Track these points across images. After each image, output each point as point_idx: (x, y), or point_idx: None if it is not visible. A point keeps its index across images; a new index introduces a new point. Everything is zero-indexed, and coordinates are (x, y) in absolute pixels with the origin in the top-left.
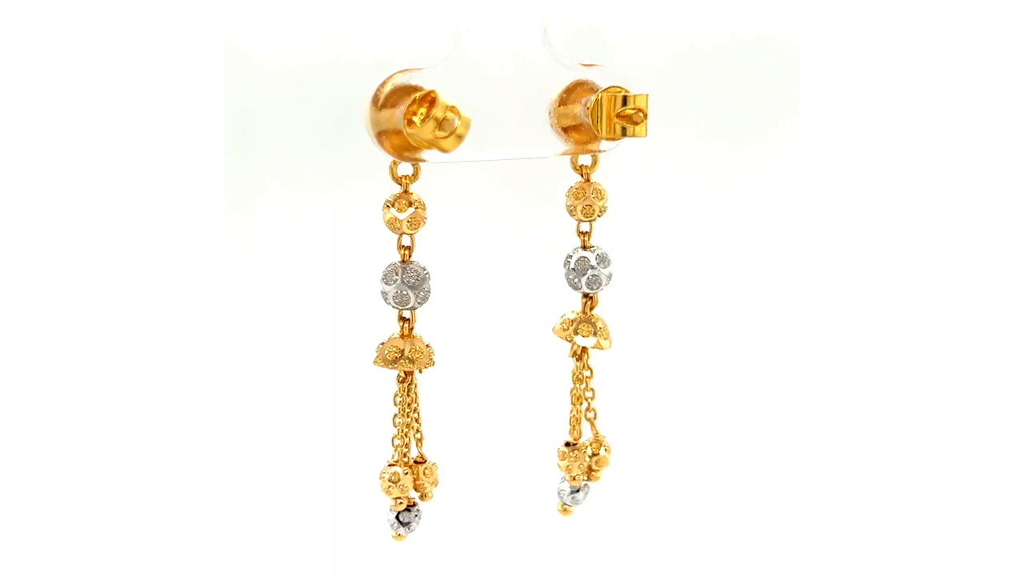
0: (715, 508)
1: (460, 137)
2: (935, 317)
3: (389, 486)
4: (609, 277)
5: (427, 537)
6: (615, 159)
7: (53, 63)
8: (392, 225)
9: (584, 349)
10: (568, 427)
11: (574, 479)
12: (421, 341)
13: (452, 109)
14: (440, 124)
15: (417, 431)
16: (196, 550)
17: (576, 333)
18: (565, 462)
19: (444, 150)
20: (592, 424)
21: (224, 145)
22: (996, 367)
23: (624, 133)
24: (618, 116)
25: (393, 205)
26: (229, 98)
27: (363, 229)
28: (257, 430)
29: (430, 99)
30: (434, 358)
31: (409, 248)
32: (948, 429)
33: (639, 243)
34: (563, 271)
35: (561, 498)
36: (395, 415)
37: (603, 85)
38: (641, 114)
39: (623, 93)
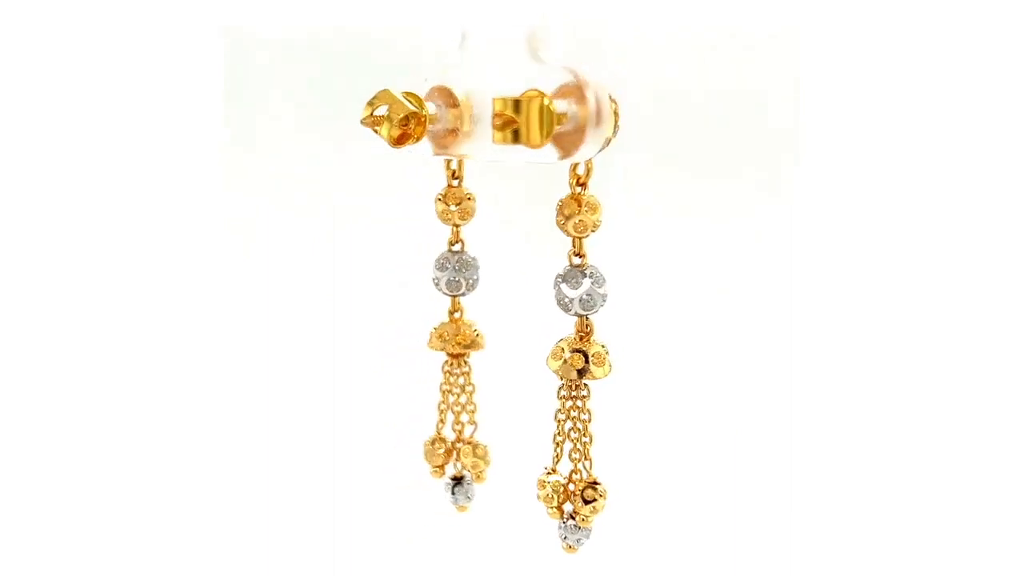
0: (713, 507)
1: (390, 129)
2: (936, 317)
3: (425, 455)
4: (586, 301)
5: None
6: (614, 157)
7: (53, 64)
8: (444, 216)
9: (571, 381)
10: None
11: (552, 510)
12: (469, 326)
13: (381, 100)
14: (371, 112)
15: (471, 415)
16: (198, 549)
17: (552, 359)
18: (536, 489)
19: (386, 141)
20: (587, 466)
21: (223, 141)
22: (996, 367)
23: (516, 137)
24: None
25: (443, 198)
26: (229, 95)
27: (363, 224)
28: (257, 428)
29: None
30: (483, 342)
31: (455, 237)
32: (948, 429)
33: (638, 243)
34: None
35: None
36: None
37: (597, 87)
38: (499, 119)
39: (515, 98)
